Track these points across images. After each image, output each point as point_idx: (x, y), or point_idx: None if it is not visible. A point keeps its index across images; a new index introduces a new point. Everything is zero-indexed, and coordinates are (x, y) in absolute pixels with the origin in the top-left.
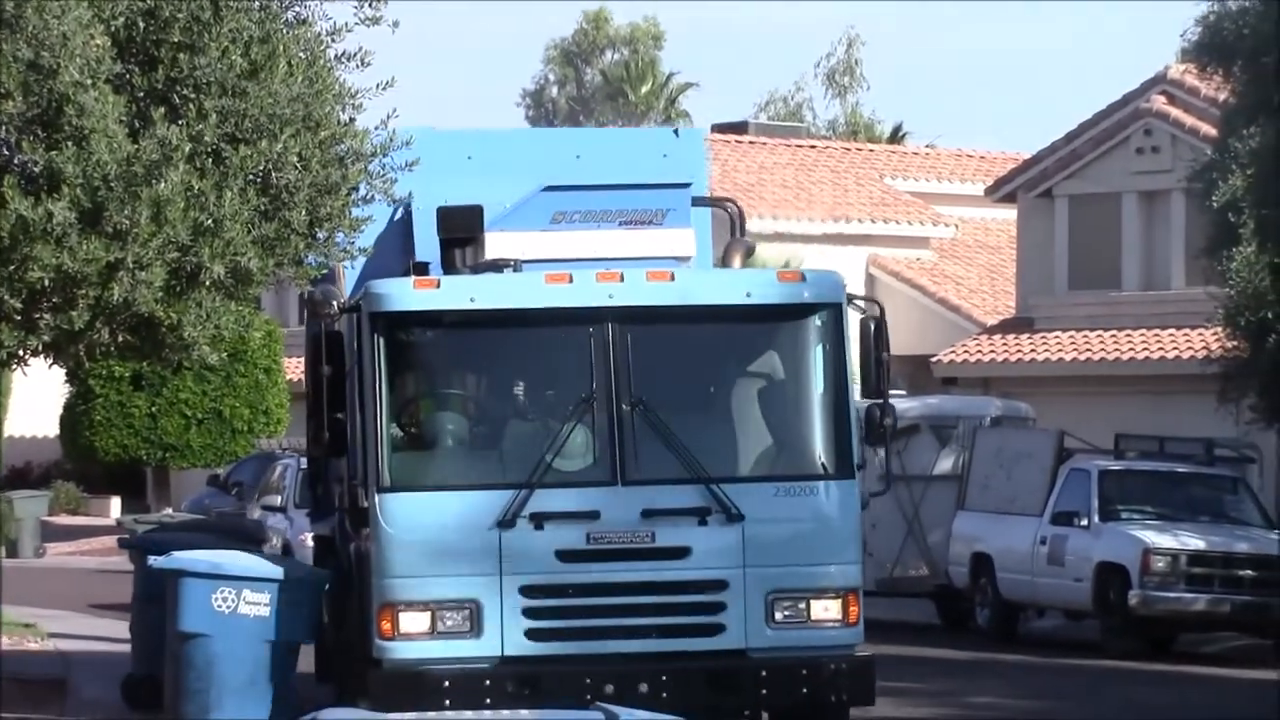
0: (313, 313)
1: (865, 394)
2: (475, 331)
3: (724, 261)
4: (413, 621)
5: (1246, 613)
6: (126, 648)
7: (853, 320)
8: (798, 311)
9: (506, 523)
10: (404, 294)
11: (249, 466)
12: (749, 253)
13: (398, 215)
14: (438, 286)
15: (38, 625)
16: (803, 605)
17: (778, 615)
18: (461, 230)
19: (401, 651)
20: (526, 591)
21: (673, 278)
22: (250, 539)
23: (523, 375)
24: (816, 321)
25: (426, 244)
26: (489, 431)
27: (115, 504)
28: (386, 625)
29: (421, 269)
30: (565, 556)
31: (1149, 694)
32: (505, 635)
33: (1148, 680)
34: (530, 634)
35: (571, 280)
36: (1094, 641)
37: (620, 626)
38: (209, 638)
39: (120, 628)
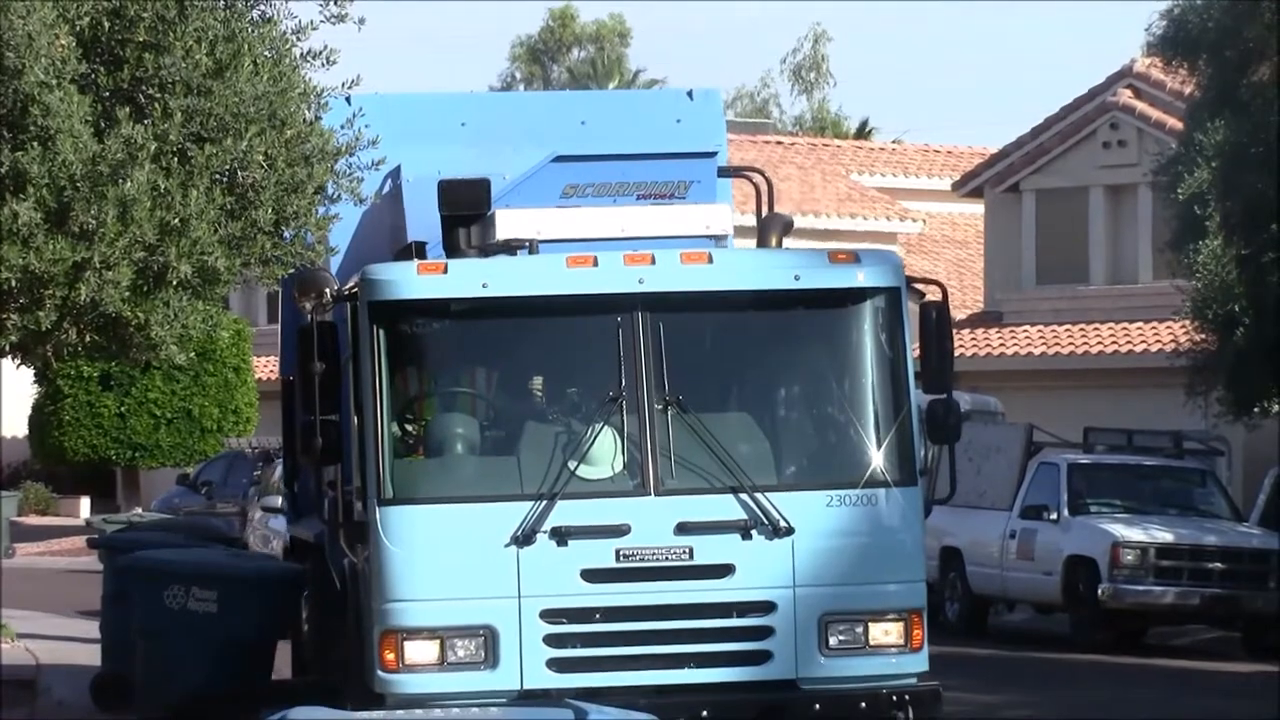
0: (300, 300)
1: (926, 388)
2: (488, 322)
3: (761, 240)
4: (419, 651)
5: (1215, 605)
6: (96, 647)
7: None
8: (852, 297)
9: (525, 539)
10: (407, 280)
11: (218, 466)
12: (787, 229)
13: (384, 188)
14: (444, 271)
15: (7, 625)
16: (860, 629)
17: (832, 641)
18: (467, 206)
19: (407, 685)
20: (548, 616)
21: (710, 259)
22: (219, 538)
23: (542, 371)
24: (873, 308)
25: (419, 222)
26: (504, 436)
27: (84, 504)
28: (390, 655)
29: (420, 250)
30: (591, 576)
31: (1119, 687)
32: (524, 666)
33: (1118, 673)
34: (552, 664)
35: (596, 263)
36: (1064, 635)
37: (654, 655)
38: (162, 634)
39: (90, 627)
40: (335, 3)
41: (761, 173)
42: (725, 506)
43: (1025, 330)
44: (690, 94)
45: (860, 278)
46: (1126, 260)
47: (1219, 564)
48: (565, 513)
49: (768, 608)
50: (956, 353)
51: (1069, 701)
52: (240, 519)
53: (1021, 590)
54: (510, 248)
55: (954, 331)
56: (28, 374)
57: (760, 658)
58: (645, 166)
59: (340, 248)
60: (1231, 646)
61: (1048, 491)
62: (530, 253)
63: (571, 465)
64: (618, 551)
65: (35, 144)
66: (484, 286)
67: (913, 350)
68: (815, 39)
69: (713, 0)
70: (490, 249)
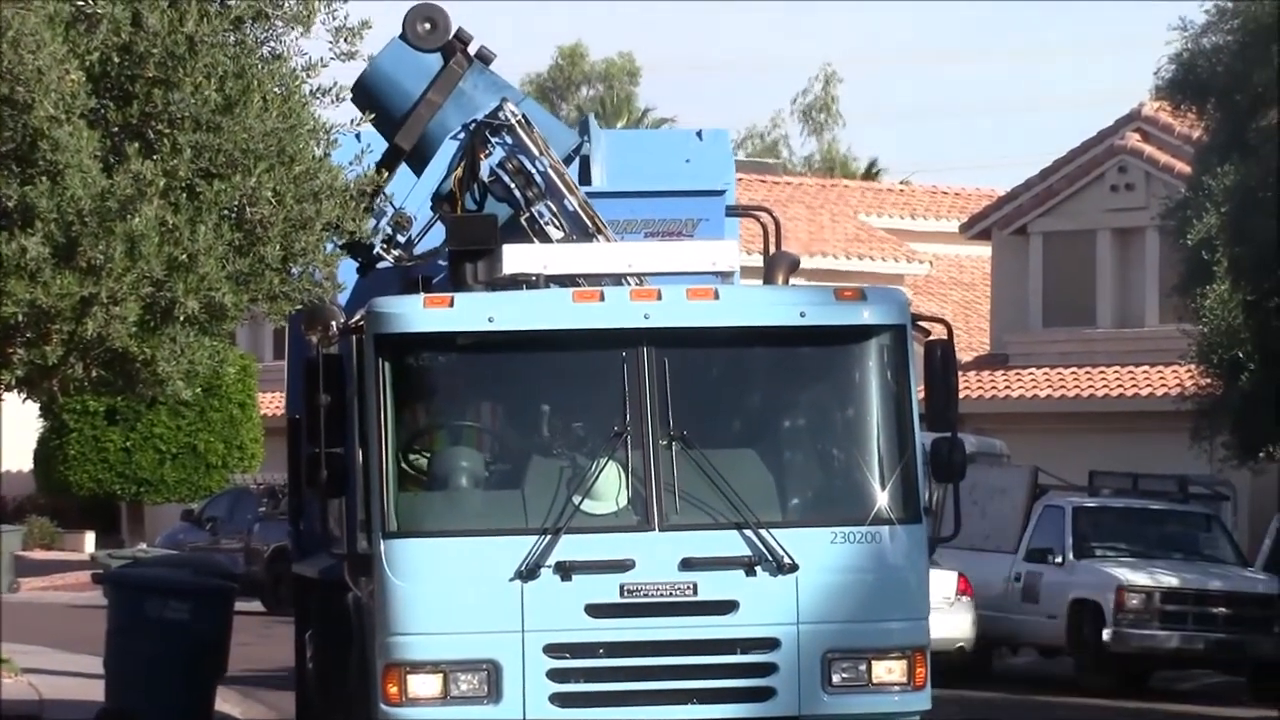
0: (307, 333)
1: (931, 426)
2: (494, 356)
3: (768, 277)
4: (423, 685)
5: (1220, 650)
6: (100, 683)
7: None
8: (858, 334)
9: (528, 573)
10: (413, 313)
11: (223, 501)
12: (794, 267)
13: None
14: (451, 305)
15: (11, 660)
16: (863, 666)
17: (835, 678)
18: (474, 241)
19: (410, 718)
20: (551, 651)
21: (717, 295)
22: (224, 574)
23: (547, 406)
24: (878, 345)
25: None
26: (509, 470)
27: (89, 539)
28: (393, 688)
29: (427, 285)
30: (595, 611)
31: None
32: (527, 700)
33: (1122, 717)
34: (556, 699)
35: (603, 298)
36: (1068, 679)
37: (658, 690)
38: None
39: (94, 663)
40: (345, 40)
41: (769, 211)
42: (730, 542)
43: (1031, 373)
44: (699, 134)
45: (866, 315)
46: (1133, 304)
47: (1224, 609)
48: (569, 547)
49: (771, 644)
50: (962, 394)
51: None
52: (245, 554)
53: (1026, 633)
54: (517, 282)
55: (960, 372)
56: (33, 408)
57: (764, 694)
58: (653, 204)
59: (347, 284)
60: (1237, 691)
61: (1053, 534)
62: (538, 287)
63: (576, 500)
64: (622, 587)
65: (44, 178)
66: (490, 320)
67: (918, 389)
68: (826, 80)
69: (722, 36)
70: (497, 284)
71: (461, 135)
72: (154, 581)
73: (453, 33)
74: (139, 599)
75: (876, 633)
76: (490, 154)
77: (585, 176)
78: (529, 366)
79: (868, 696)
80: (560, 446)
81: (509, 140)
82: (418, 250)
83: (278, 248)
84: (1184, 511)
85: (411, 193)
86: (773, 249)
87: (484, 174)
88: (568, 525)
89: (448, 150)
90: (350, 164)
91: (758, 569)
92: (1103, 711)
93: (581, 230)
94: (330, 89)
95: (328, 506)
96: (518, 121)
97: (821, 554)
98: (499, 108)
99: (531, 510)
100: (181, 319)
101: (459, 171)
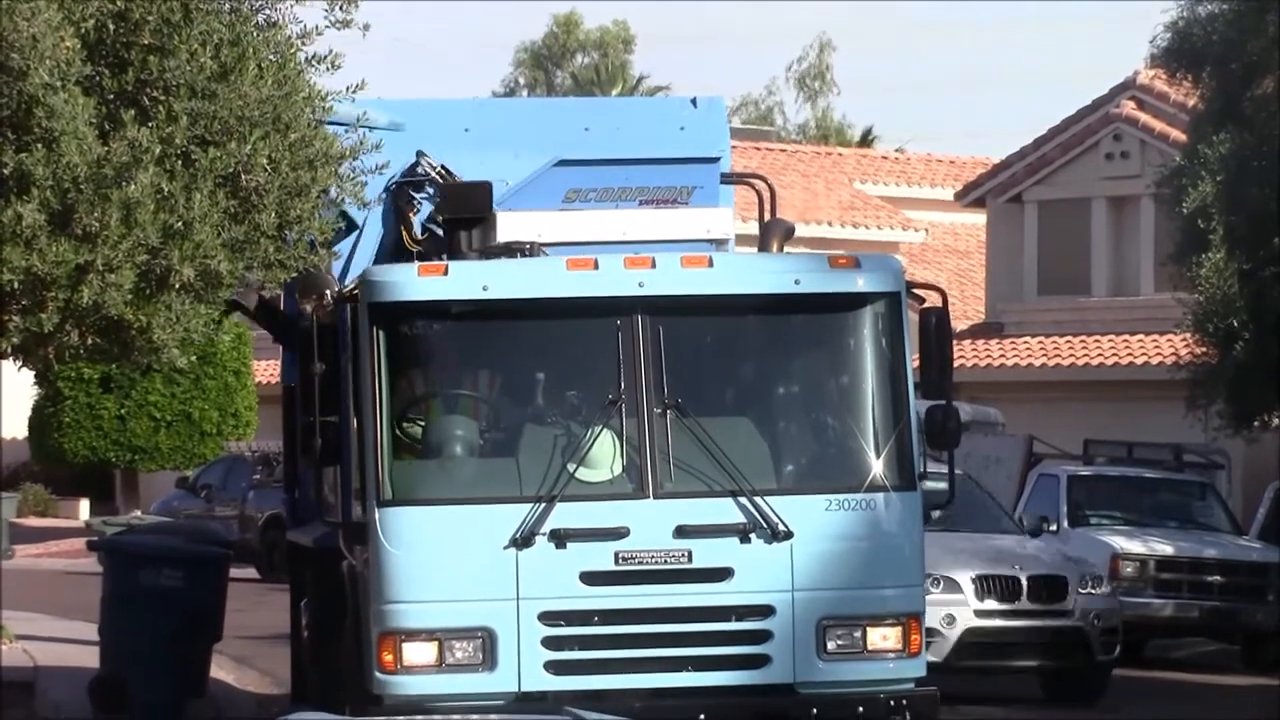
0: (301, 301)
1: (925, 394)
2: (488, 324)
3: (762, 245)
4: (417, 652)
5: (1215, 618)
6: (95, 650)
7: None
8: (852, 301)
9: (523, 541)
10: (407, 281)
11: (217, 469)
12: (788, 235)
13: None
14: (445, 273)
15: (6, 627)
16: (858, 633)
17: (830, 645)
18: (469, 209)
19: (405, 687)
20: (546, 618)
21: (711, 263)
22: (218, 541)
23: (541, 374)
24: (872, 313)
25: (422, 225)
26: (503, 438)
27: (84, 506)
28: (388, 656)
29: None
30: (590, 579)
31: (1118, 699)
32: (522, 668)
33: (1116, 686)
34: (550, 666)
35: (597, 266)
36: None
37: (652, 658)
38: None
39: (89, 630)
40: (340, 8)
41: (764, 179)
42: (724, 510)
43: (1026, 341)
44: (694, 101)
45: (860, 283)
46: (1128, 272)
47: (1218, 577)
48: (564, 515)
49: (766, 611)
50: (957, 363)
51: (1066, 714)
52: (238, 522)
53: None
54: (511, 250)
55: (955, 341)
56: (28, 376)
57: (758, 661)
58: (648, 172)
59: (342, 252)
60: (1230, 660)
61: (1047, 503)
62: (532, 255)
63: (570, 468)
64: (616, 554)
65: (39, 146)
66: (484, 289)
67: (912, 356)
68: (820, 47)
69: (717, 3)
70: (491, 252)
71: (384, 197)
72: (148, 549)
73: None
74: (133, 566)
75: (871, 600)
76: (418, 210)
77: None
78: (523, 335)
79: (863, 664)
80: (555, 415)
81: (431, 192)
82: None
83: (273, 215)
84: (1179, 480)
85: (354, 258)
86: (767, 217)
87: (416, 231)
88: (562, 493)
89: (376, 215)
90: (345, 132)
91: (752, 536)
92: None
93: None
94: (325, 57)
95: (322, 475)
96: (438, 173)
97: (816, 521)
98: (416, 163)
99: (526, 478)
100: (177, 286)
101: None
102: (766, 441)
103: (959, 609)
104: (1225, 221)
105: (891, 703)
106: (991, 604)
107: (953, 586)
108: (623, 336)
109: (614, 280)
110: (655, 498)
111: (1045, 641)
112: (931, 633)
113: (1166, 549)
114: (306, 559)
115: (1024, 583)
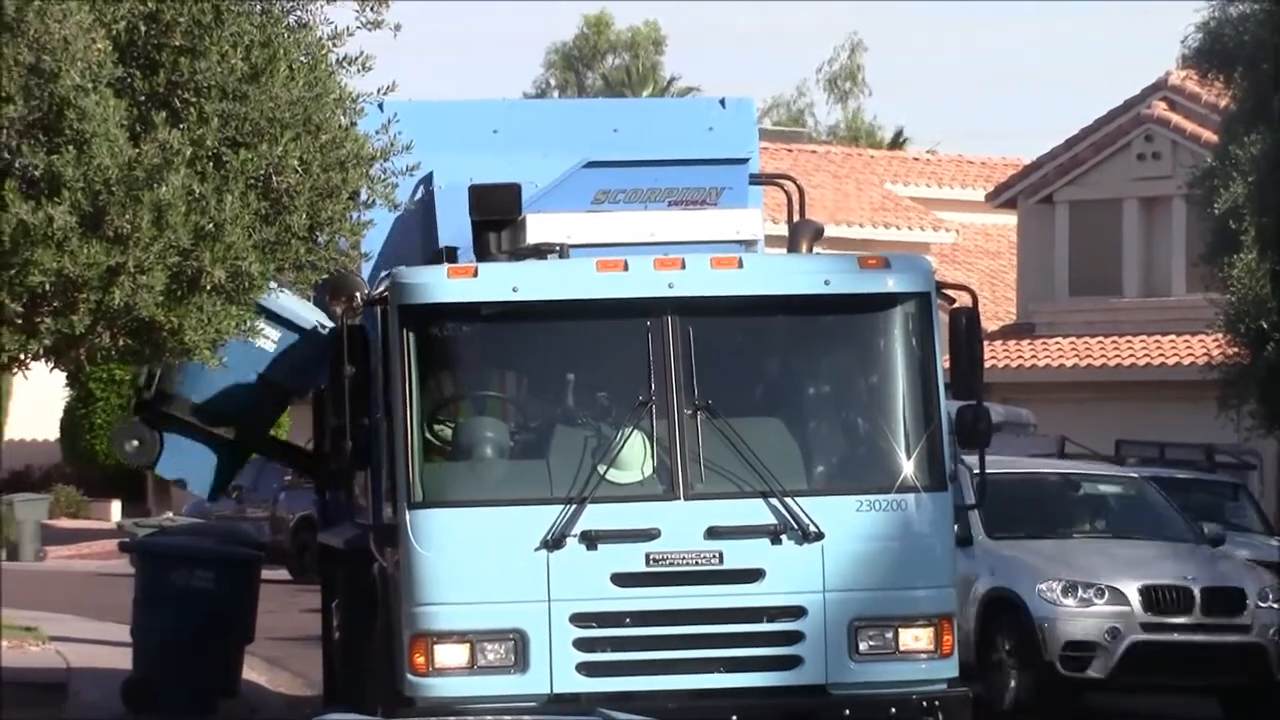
0: (331, 303)
1: (955, 394)
2: (518, 326)
3: (792, 246)
4: (449, 654)
5: None
6: (127, 651)
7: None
8: (882, 302)
9: (554, 542)
10: (437, 283)
11: (249, 471)
12: (818, 235)
13: (417, 195)
14: (475, 275)
15: (39, 628)
16: (890, 634)
17: (862, 646)
18: (498, 211)
19: (437, 689)
20: (578, 620)
21: (740, 264)
22: (249, 543)
23: (571, 375)
24: (903, 313)
25: (451, 228)
26: (533, 439)
27: (115, 507)
28: (420, 659)
29: (451, 255)
30: (621, 580)
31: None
32: (554, 670)
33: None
34: (582, 668)
35: (627, 267)
36: None
37: (684, 660)
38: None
39: (121, 631)
40: (372, 9)
41: (794, 179)
42: (755, 511)
43: (1058, 342)
44: (723, 102)
45: (890, 283)
46: (1160, 273)
47: None
48: (595, 517)
49: (798, 613)
50: (988, 364)
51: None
52: (270, 523)
53: None
54: (540, 252)
55: (986, 342)
56: (60, 377)
57: (790, 663)
58: (676, 173)
59: (373, 254)
60: None
61: None
62: (561, 257)
63: (601, 469)
64: (648, 555)
65: (70, 148)
66: (514, 290)
67: (943, 357)
68: (851, 48)
69: (749, 3)
70: (521, 253)
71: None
72: (180, 550)
73: None
74: (165, 568)
75: (903, 600)
76: None
77: None
78: (553, 336)
79: (895, 664)
80: (585, 416)
81: None
82: None
83: (304, 216)
84: (1210, 480)
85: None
86: (796, 217)
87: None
88: (593, 495)
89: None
90: (376, 133)
91: (783, 537)
92: None
93: None
94: (356, 58)
95: (353, 477)
96: None
97: (847, 522)
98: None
99: (556, 480)
100: (208, 288)
101: None
102: (797, 442)
103: (1124, 621)
104: (1256, 223)
105: (924, 704)
106: (1160, 617)
107: (1118, 597)
108: (653, 338)
109: (644, 281)
110: (686, 499)
111: (1219, 658)
112: (1094, 646)
113: None
114: (338, 561)
115: (1196, 594)
